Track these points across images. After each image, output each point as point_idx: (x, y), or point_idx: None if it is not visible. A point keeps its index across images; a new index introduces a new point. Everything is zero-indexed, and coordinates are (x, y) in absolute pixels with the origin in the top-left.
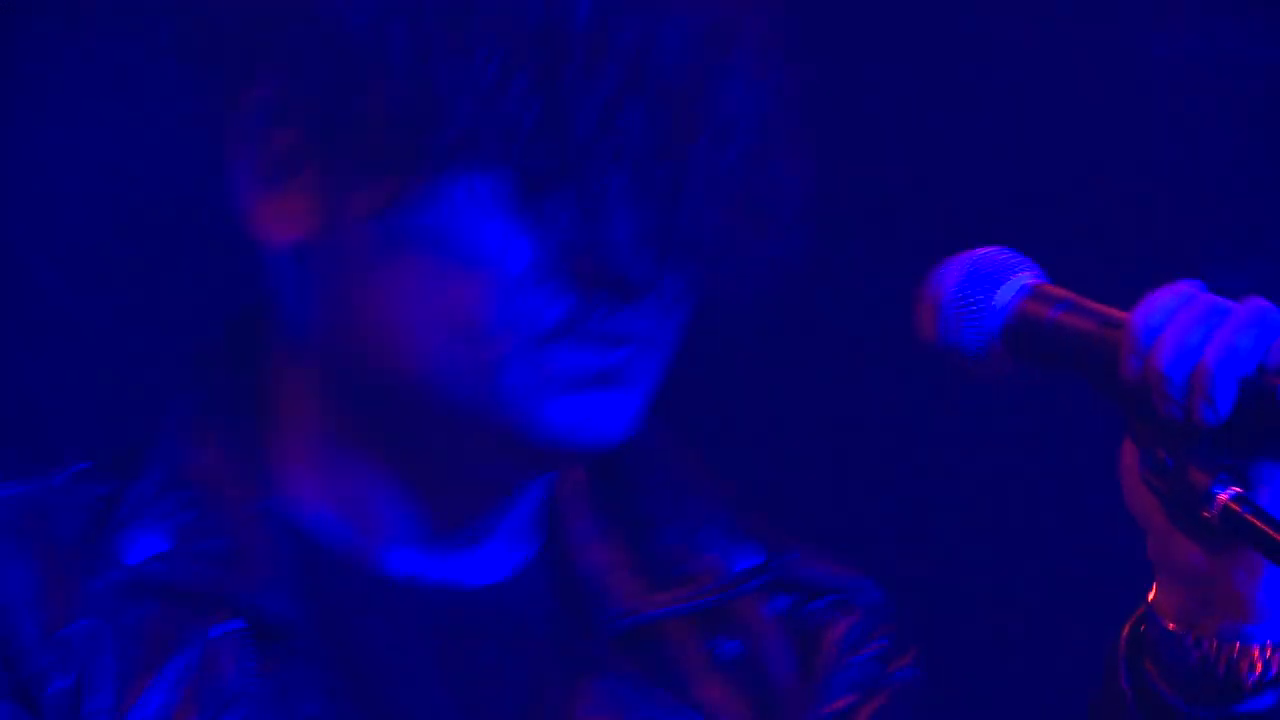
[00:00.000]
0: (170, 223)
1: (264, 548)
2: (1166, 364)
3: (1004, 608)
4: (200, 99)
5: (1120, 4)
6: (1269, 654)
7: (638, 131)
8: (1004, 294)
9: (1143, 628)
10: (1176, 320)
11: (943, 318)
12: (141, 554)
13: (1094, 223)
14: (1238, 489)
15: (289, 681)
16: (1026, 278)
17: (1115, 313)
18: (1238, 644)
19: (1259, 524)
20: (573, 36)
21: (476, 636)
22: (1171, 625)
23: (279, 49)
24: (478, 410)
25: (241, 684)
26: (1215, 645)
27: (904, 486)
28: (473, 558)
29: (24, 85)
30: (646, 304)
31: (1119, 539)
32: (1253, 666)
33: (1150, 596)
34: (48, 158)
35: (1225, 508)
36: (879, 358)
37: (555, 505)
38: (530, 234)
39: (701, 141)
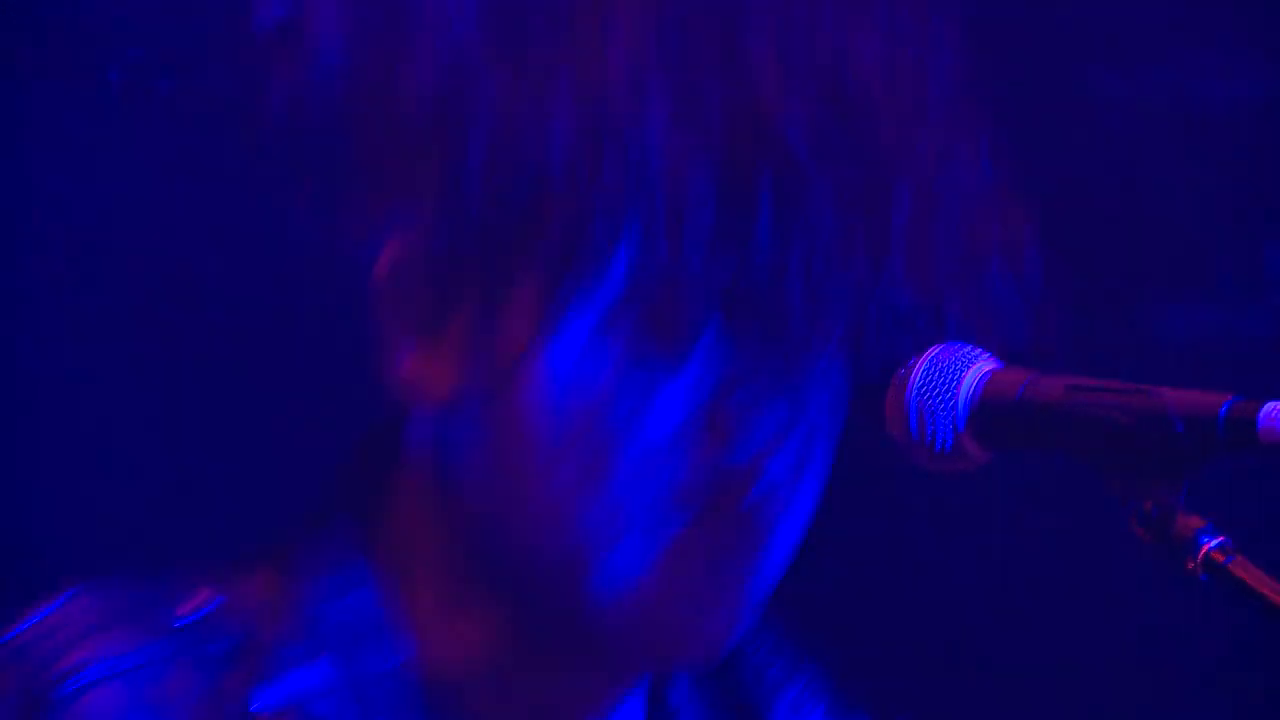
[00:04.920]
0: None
1: (391, 714)
2: None
3: None
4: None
5: (1074, 41)
6: None
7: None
8: (968, 383)
9: None
10: None
11: (909, 417)
12: (267, 710)
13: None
14: (1222, 538)
15: None
16: (986, 365)
17: (1079, 380)
18: None
19: (1240, 574)
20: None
21: None
22: None
23: (430, 180)
24: (594, 590)
25: None
26: None
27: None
28: None
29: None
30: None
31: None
32: None
33: None
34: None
35: (1208, 556)
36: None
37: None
38: (674, 386)
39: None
